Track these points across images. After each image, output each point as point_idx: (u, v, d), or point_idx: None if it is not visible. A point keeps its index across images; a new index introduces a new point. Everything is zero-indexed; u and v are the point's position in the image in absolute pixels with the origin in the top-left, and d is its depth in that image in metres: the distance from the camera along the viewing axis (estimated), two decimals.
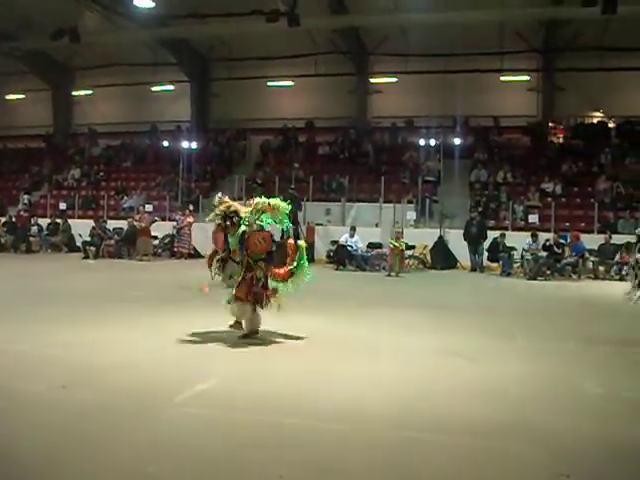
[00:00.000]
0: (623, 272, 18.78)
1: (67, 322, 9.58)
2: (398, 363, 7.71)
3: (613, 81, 26.70)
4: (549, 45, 27.59)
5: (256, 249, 8.65)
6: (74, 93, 34.64)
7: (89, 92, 33.74)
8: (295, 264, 8.98)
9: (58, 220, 25.03)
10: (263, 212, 8.84)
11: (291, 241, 9.22)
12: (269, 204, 8.92)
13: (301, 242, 9.32)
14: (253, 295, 8.65)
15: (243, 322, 8.70)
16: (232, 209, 8.81)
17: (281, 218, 9.00)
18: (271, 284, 8.84)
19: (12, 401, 5.87)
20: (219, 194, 9.12)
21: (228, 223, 8.80)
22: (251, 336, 8.67)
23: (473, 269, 20.56)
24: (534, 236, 19.29)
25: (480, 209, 23.09)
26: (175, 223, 22.96)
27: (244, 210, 8.88)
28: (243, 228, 8.74)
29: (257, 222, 8.76)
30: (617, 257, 19.18)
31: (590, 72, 26.20)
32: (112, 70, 30.46)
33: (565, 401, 6.33)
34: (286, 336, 8.95)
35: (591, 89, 26.80)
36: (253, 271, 8.66)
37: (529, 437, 5.27)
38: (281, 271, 8.89)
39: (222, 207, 8.86)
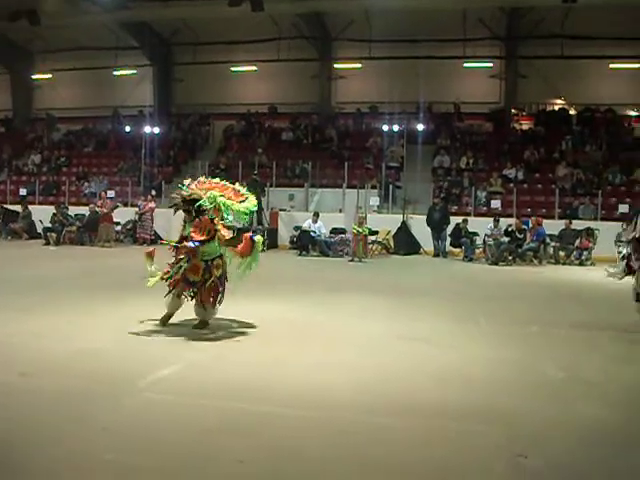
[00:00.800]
0: (582, 257, 19.12)
1: (27, 310, 9.46)
2: (362, 349, 7.75)
3: (574, 69, 27.04)
4: (511, 32, 27.79)
5: (204, 231, 8.39)
6: (34, 77, 34.02)
7: (49, 76, 33.16)
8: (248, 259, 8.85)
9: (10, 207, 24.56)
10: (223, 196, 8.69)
11: (247, 235, 8.99)
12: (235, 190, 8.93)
13: (258, 237, 9.15)
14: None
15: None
16: (191, 197, 8.53)
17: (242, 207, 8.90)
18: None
19: None
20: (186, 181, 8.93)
21: (187, 209, 8.58)
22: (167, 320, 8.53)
23: (436, 254, 20.70)
24: (496, 221, 19.47)
25: (443, 195, 23.27)
26: (137, 209, 22.74)
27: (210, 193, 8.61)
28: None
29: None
30: (577, 242, 19.48)
31: (551, 60, 26.50)
32: (73, 54, 29.97)
33: (527, 384, 6.42)
34: (248, 323, 8.94)
35: (552, 76, 27.13)
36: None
37: (490, 419, 5.33)
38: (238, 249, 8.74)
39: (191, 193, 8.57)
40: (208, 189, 8.65)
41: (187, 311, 8.65)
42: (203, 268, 8.40)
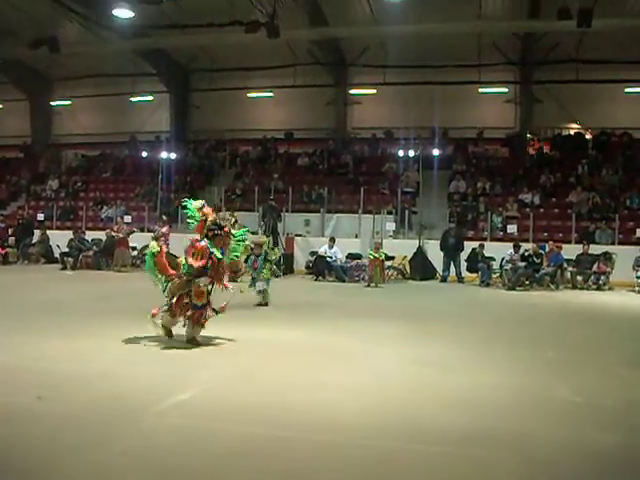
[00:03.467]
0: (600, 282, 18.98)
1: (44, 334, 9.49)
2: (375, 373, 7.71)
3: (589, 93, 27.04)
4: (526, 57, 27.88)
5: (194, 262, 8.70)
6: (52, 103, 34.44)
7: (68, 102, 33.58)
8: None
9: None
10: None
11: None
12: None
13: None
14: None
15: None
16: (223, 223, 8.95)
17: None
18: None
19: None
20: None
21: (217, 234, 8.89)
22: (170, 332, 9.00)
23: (443, 280, 20.59)
24: (516, 247, 19.34)
25: (455, 219, 23.23)
26: (153, 234, 22.78)
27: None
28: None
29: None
30: (595, 267, 19.34)
31: (566, 84, 26.50)
32: (91, 80, 30.43)
33: (539, 409, 6.35)
34: (265, 346, 8.94)
35: (568, 101, 27.14)
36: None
37: (500, 445, 5.28)
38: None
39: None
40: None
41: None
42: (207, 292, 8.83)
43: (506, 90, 29.15)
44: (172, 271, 8.89)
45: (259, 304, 13.02)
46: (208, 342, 8.81)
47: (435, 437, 5.46)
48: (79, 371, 7.33)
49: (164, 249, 9.12)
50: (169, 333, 9.01)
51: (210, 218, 8.89)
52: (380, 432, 5.54)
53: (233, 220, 9.38)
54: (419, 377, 7.54)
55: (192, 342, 8.78)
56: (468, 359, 8.58)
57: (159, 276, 9.02)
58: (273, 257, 14.11)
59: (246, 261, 12.90)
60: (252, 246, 13.11)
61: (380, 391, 6.88)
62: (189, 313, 8.80)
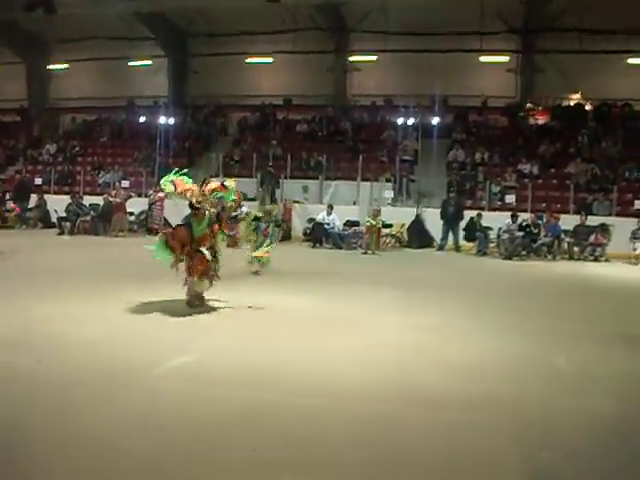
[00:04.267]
0: (597, 253, 19.01)
1: (42, 297, 9.51)
2: (374, 339, 7.76)
3: (592, 64, 26.73)
4: (528, 26, 27.60)
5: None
6: (49, 67, 34.12)
7: (65, 66, 33.26)
8: None
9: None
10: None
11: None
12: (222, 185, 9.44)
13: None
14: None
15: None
16: (197, 199, 9.03)
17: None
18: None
19: None
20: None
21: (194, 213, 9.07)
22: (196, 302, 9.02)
23: (440, 248, 20.60)
24: (514, 216, 19.34)
25: (455, 188, 23.17)
26: (148, 199, 22.73)
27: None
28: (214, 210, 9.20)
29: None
30: (592, 238, 19.35)
31: (569, 54, 26.26)
32: (89, 44, 30.07)
33: (537, 377, 6.41)
34: (264, 312, 8.98)
35: (570, 71, 26.84)
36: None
37: (502, 411, 5.35)
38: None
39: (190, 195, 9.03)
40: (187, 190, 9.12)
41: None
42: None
43: (507, 59, 28.89)
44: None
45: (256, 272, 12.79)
46: (208, 308, 8.87)
47: (435, 402, 5.51)
48: (79, 335, 7.35)
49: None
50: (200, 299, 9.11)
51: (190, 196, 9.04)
52: (380, 397, 5.59)
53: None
54: (419, 343, 7.59)
55: (196, 301, 8.95)
56: (467, 326, 8.63)
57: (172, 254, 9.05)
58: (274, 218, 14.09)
59: (255, 230, 13.03)
60: (261, 215, 13.37)
61: (380, 357, 6.93)
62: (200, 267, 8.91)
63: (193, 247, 8.91)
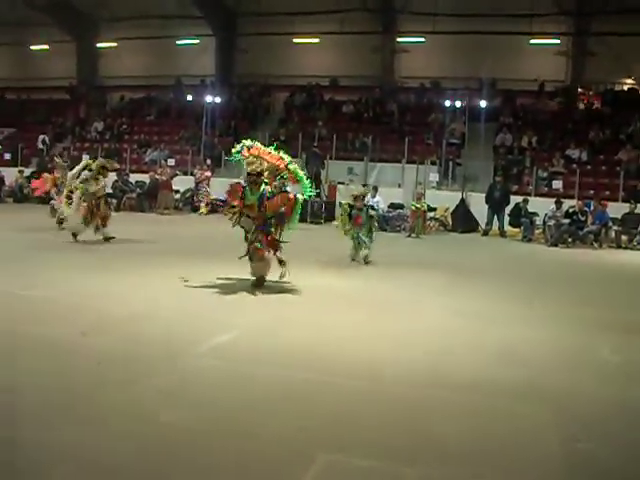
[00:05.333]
0: None
1: (89, 271, 9.68)
2: (416, 322, 7.74)
3: None
4: (581, 7, 27.02)
5: (276, 209, 9.01)
6: (98, 45, 34.46)
7: (113, 44, 33.57)
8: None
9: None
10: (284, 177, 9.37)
11: (291, 195, 9.36)
12: (292, 172, 9.42)
13: (300, 196, 9.47)
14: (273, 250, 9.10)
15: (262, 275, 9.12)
16: (259, 169, 8.99)
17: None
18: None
19: (29, 345, 5.94)
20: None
21: (252, 180, 8.99)
22: (261, 283, 9.09)
23: (485, 233, 20.38)
24: (558, 203, 19.06)
25: (502, 173, 22.86)
26: (194, 177, 22.87)
27: (267, 165, 9.15)
28: (266, 188, 9.04)
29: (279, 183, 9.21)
30: None
31: (623, 37, 25.60)
32: (137, 22, 30.30)
33: (582, 366, 6.34)
34: (308, 293, 9.00)
35: (624, 55, 26.19)
36: (271, 232, 9.13)
37: (543, 400, 5.29)
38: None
39: (252, 164, 9.04)
40: (261, 157, 9.20)
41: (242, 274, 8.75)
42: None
43: (559, 42, 28.33)
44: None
45: (353, 258, 12.46)
46: (247, 285, 8.91)
47: (474, 387, 5.48)
48: (122, 310, 7.47)
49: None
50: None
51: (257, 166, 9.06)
52: (423, 381, 5.60)
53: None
54: (462, 329, 7.55)
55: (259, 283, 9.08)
56: (510, 313, 8.56)
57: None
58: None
59: (350, 217, 12.67)
60: (351, 202, 12.68)
61: (423, 342, 6.91)
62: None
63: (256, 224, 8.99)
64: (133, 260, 11.18)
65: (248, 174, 9.05)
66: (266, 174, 9.13)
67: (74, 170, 14.12)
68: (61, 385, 5.04)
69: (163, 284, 8.97)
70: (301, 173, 9.51)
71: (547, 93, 27.71)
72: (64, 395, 4.84)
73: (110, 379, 5.22)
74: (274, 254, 9.11)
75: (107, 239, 13.44)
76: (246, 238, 9.13)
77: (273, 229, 9.16)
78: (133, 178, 23.63)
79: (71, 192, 13.59)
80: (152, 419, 4.51)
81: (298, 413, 4.76)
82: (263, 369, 5.68)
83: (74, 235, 13.35)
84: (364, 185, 12.88)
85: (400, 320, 7.83)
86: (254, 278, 9.10)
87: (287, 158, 9.54)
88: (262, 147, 9.44)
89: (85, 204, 13.31)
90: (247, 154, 9.18)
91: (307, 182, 9.53)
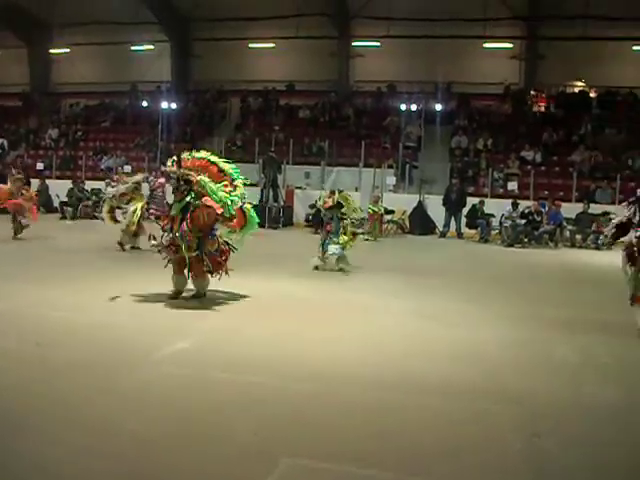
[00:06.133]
0: (599, 241, 18.95)
1: (43, 282, 9.53)
2: (374, 325, 7.77)
3: (596, 51, 26.64)
4: (533, 12, 27.47)
5: (199, 223, 8.39)
6: (51, 51, 33.98)
7: (67, 50, 33.11)
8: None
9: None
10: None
11: (237, 209, 8.93)
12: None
13: (247, 205, 9.22)
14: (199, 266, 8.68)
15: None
16: (185, 176, 8.62)
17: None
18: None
19: None
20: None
21: (177, 187, 8.67)
22: (177, 296, 8.73)
23: (442, 235, 20.58)
24: (515, 204, 19.31)
25: (458, 175, 23.12)
26: (148, 185, 22.60)
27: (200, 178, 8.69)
28: (188, 199, 8.56)
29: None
30: (594, 226, 19.33)
31: (574, 41, 26.09)
32: (91, 28, 29.86)
33: (540, 365, 6.42)
34: (265, 298, 8.98)
35: (573, 58, 26.70)
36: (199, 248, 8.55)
37: (503, 399, 5.34)
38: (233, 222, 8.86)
39: (177, 170, 8.72)
40: (193, 166, 8.85)
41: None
42: (196, 243, 8.52)
43: (511, 45, 28.74)
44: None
45: (316, 268, 12.03)
46: (210, 295, 8.86)
47: (434, 389, 5.52)
48: (77, 319, 7.37)
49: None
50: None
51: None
52: (381, 384, 5.60)
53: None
54: (421, 331, 7.60)
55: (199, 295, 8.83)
56: (469, 314, 8.63)
57: None
58: (352, 216, 12.47)
59: (321, 224, 12.36)
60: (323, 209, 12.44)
61: (381, 344, 6.93)
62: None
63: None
64: (86, 269, 11.04)
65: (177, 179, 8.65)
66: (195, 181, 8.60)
67: (123, 187, 13.95)
68: (14, 398, 4.94)
69: (115, 292, 8.81)
70: (212, 189, 8.66)
71: (501, 96, 28.06)
72: (17, 408, 4.75)
73: (66, 390, 5.14)
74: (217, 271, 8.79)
75: (135, 248, 13.69)
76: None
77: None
78: (89, 186, 23.32)
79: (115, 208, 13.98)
80: (112, 429, 4.45)
81: (258, 418, 4.75)
82: (221, 375, 5.65)
83: (121, 244, 13.68)
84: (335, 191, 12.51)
85: (357, 323, 7.85)
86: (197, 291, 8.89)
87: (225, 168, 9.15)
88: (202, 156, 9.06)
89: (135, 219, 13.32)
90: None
91: (225, 199, 8.68)
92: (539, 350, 6.97)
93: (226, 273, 8.81)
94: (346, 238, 12.00)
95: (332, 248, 11.90)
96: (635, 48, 26.81)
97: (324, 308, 8.71)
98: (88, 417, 4.64)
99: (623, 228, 8.27)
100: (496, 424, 4.89)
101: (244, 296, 8.99)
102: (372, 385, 5.55)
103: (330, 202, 12.31)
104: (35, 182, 24.03)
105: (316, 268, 11.95)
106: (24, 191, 15.45)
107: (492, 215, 19.95)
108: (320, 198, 12.91)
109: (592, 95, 27.42)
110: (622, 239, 8.40)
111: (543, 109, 27.51)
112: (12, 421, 4.51)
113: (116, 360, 5.92)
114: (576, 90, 28.18)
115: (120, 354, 6.11)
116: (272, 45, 30.84)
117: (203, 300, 8.67)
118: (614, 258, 8.55)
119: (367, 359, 6.30)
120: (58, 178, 25.58)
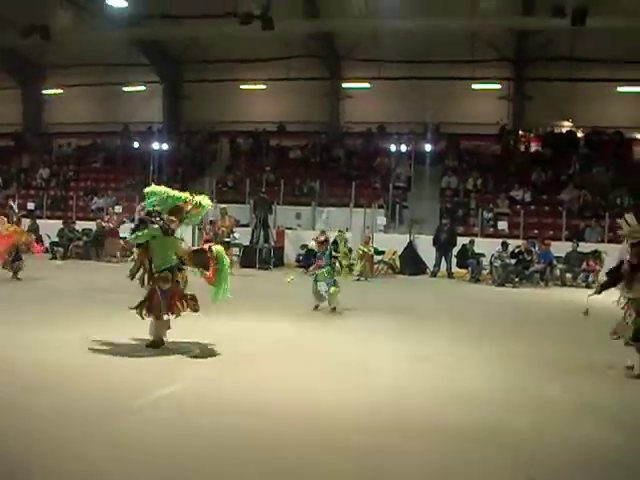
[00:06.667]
0: (589, 280, 19.01)
1: (28, 324, 9.48)
2: (367, 369, 7.73)
3: (582, 91, 27.10)
4: (520, 54, 27.89)
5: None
6: (44, 92, 34.21)
7: (60, 91, 33.34)
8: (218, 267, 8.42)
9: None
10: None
11: (206, 246, 8.63)
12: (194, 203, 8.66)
13: (217, 247, 8.69)
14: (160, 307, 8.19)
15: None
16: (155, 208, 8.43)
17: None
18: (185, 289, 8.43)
19: None
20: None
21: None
22: (158, 345, 8.20)
23: (433, 275, 20.61)
24: (504, 244, 19.37)
25: (448, 215, 23.23)
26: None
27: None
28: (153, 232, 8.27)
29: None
30: (584, 265, 19.40)
31: (560, 82, 26.51)
32: (84, 69, 30.15)
33: (533, 406, 6.41)
34: (253, 341, 8.95)
35: (560, 99, 27.12)
36: (156, 283, 8.22)
37: (496, 441, 5.33)
38: (209, 273, 8.37)
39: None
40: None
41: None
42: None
43: (499, 87, 29.14)
44: None
45: (316, 307, 12.08)
46: (190, 337, 8.72)
47: (427, 432, 5.50)
48: (64, 363, 7.31)
49: None
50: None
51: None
52: (372, 429, 5.57)
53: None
54: (412, 373, 7.58)
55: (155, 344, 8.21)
56: (459, 354, 8.63)
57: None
58: (342, 251, 12.74)
59: (313, 258, 12.30)
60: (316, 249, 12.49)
61: (372, 387, 6.91)
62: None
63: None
64: (76, 311, 10.99)
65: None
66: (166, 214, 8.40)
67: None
68: (2, 445, 4.90)
69: (104, 336, 8.70)
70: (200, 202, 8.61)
71: (496, 136, 28.34)
72: (5, 456, 4.70)
73: (49, 435, 5.09)
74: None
75: None
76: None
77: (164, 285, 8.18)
78: (79, 226, 23.33)
79: None
80: (95, 476, 4.41)
81: (243, 463, 4.71)
82: (202, 420, 5.60)
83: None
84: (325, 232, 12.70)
85: (346, 365, 7.81)
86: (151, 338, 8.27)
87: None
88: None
89: None
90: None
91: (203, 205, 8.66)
92: (531, 391, 6.96)
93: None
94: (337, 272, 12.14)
95: (322, 286, 11.97)
96: (619, 89, 27.20)
97: (313, 351, 8.67)
98: (67, 464, 4.58)
99: (616, 274, 8.34)
100: (490, 467, 4.85)
101: (225, 339, 8.89)
102: (364, 429, 5.51)
103: (323, 239, 12.42)
104: (26, 222, 24.13)
105: (316, 308, 11.98)
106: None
107: (482, 255, 20.01)
108: (317, 239, 13.05)
109: (579, 135, 27.75)
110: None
111: (531, 149, 27.77)
112: None
113: (98, 406, 5.87)
114: (564, 130, 28.50)
115: (102, 400, 6.05)
116: (263, 87, 31.20)
117: (186, 343, 8.48)
118: (603, 297, 8.56)
119: (357, 401, 6.27)
120: (49, 218, 25.56)
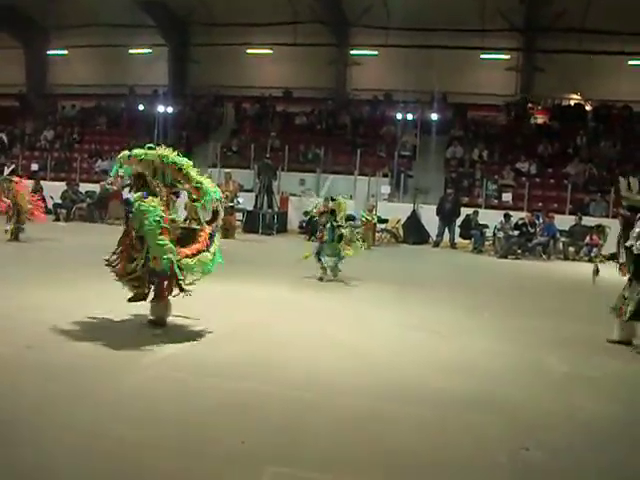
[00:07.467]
0: (592, 254, 18.97)
1: (35, 285, 9.50)
2: (367, 336, 7.75)
3: (592, 64, 26.80)
4: (530, 25, 27.58)
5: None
6: (48, 52, 33.96)
7: (64, 52, 33.11)
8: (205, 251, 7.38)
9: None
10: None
11: (207, 230, 7.57)
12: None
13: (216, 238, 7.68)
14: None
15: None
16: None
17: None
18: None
19: None
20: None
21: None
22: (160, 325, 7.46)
23: (436, 245, 20.56)
24: (507, 216, 19.31)
25: (453, 185, 23.13)
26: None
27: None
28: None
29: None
30: (587, 239, 19.36)
31: (569, 54, 26.23)
32: (88, 30, 29.90)
33: (530, 377, 6.42)
34: (258, 304, 8.97)
35: (570, 71, 26.83)
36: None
37: (493, 410, 5.35)
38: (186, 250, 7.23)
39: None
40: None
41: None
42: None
43: (508, 57, 28.88)
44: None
45: (320, 279, 11.74)
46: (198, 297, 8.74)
47: (425, 399, 5.52)
48: (66, 322, 7.31)
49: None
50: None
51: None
52: (372, 393, 5.60)
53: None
54: (413, 341, 7.60)
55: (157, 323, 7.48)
56: (459, 325, 8.64)
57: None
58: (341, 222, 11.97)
59: (314, 233, 12.15)
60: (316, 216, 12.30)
61: (372, 353, 6.93)
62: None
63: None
64: (82, 273, 10.98)
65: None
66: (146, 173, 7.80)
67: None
68: (4, 401, 4.92)
69: (111, 297, 8.73)
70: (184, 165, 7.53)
71: (497, 107, 28.14)
72: (8, 411, 4.73)
73: (56, 394, 5.12)
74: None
75: None
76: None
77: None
78: (83, 188, 23.27)
79: None
80: (101, 431, 4.44)
81: (247, 424, 4.73)
82: (211, 381, 5.63)
83: None
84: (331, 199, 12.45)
85: (349, 332, 7.82)
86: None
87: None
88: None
89: None
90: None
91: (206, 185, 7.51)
92: (528, 362, 6.98)
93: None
94: (344, 246, 11.83)
95: (327, 260, 11.83)
96: (630, 63, 26.92)
97: (317, 317, 8.69)
98: (74, 422, 4.61)
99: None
100: (486, 435, 4.88)
101: (231, 300, 8.95)
102: (363, 394, 5.54)
103: (323, 209, 12.33)
104: (29, 183, 24.10)
105: (320, 279, 11.78)
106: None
107: (486, 226, 19.95)
108: (316, 206, 12.95)
109: (588, 108, 27.54)
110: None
111: (539, 121, 27.58)
112: (4, 423, 4.51)
113: (105, 364, 5.90)
114: (572, 103, 28.28)
115: (109, 358, 6.09)
116: (270, 51, 30.96)
117: (195, 304, 8.45)
118: (606, 271, 8.55)
119: (356, 368, 6.29)
120: (53, 180, 25.49)
